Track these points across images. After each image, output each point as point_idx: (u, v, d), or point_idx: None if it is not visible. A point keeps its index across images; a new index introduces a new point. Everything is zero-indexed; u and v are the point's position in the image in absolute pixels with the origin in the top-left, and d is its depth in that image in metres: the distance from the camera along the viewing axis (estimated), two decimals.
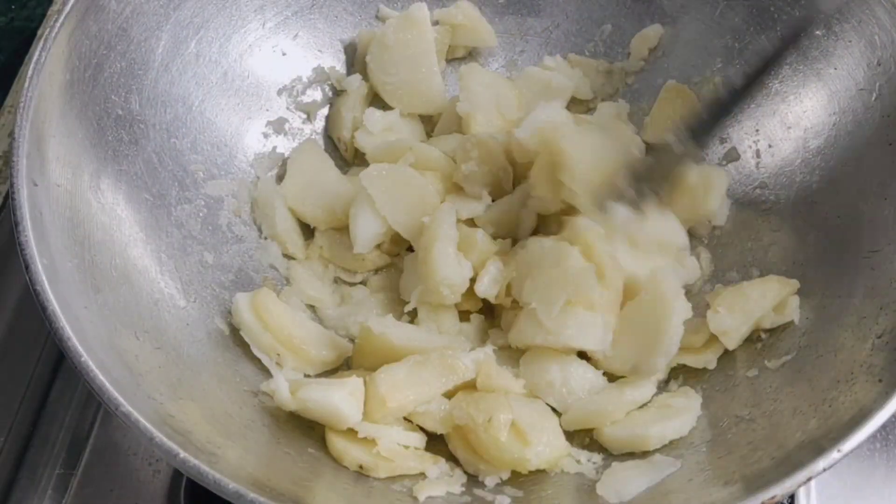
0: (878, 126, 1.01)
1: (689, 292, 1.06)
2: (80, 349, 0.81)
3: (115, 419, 0.80)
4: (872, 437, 0.80)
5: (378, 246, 1.11)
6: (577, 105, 1.23)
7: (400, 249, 1.12)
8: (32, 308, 0.83)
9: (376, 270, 1.13)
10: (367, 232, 1.07)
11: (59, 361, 1.15)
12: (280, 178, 1.16)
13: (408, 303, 1.06)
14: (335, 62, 1.23)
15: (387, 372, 0.94)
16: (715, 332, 1.00)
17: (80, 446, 1.08)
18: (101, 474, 1.07)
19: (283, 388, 0.93)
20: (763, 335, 1.01)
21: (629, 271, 1.01)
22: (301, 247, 1.14)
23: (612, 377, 1.01)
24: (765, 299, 1.00)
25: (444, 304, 1.04)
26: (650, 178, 1.02)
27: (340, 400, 0.92)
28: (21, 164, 0.88)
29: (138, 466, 1.07)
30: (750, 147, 1.14)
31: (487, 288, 1.03)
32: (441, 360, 0.95)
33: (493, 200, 1.10)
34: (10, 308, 1.17)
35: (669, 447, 0.94)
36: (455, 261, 1.02)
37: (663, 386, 1.02)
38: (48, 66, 0.93)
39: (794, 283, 1.01)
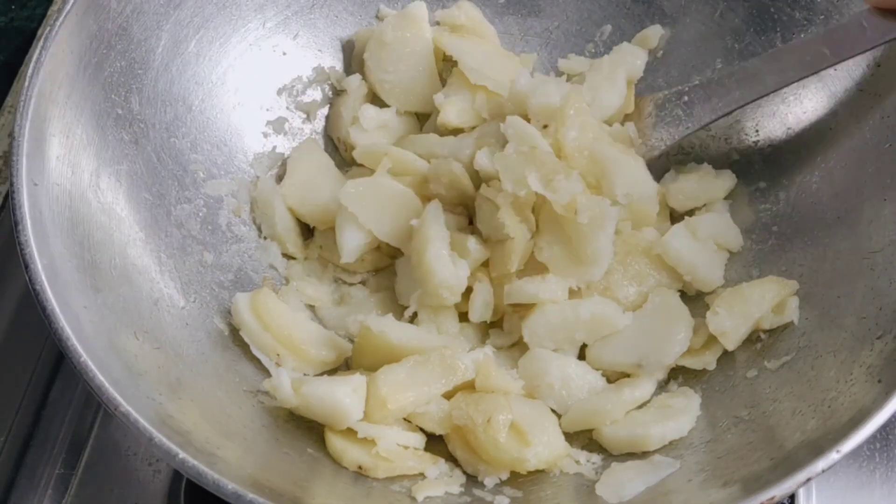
0: (878, 126, 1.01)
1: (687, 294, 1.07)
2: (80, 349, 0.81)
3: (115, 419, 0.80)
4: (872, 438, 0.80)
5: (377, 248, 1.10)
6: None
7: (397, 251, 1.12)
8: (32, 308, 0.83)
9: (376, 270, 1.13)
10: (352, 244, 1.06)
11: (59, 361, 1.15)
12: (280, 177, 1.16)
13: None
14: (335, 62, 1.23)
15: (387, 372, 0.94)
16: (714, 332, 0.99)
17: (80, 446, 1.09)
18: (101, 474, 1.07)
19: (286, 383, 0.93)
20: (762, 336, 1.01)
21: (688, 260, 1.04)
22: (300, 247, 1.14)
23: (611, 378, 1.01)
24: (764, 300, 0.99)
25: (444, 305, 1.03)
26: None
27: (344, 395, 0.92)
28: (21, 163, 0.88)
29: (138, 466, 1.07)
30: (750, 147, 1.14)
31: (481, 313, 1.03)
32: (441, 360, 0.95)
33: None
34: (10, 308, 1.17)
35: (669, 447, 0.94)
36: (450, 262, 1.01)
37: (663, 386, 1.02)
38: (48, 65, 0.93)
39: (794, 284, 1.01)
